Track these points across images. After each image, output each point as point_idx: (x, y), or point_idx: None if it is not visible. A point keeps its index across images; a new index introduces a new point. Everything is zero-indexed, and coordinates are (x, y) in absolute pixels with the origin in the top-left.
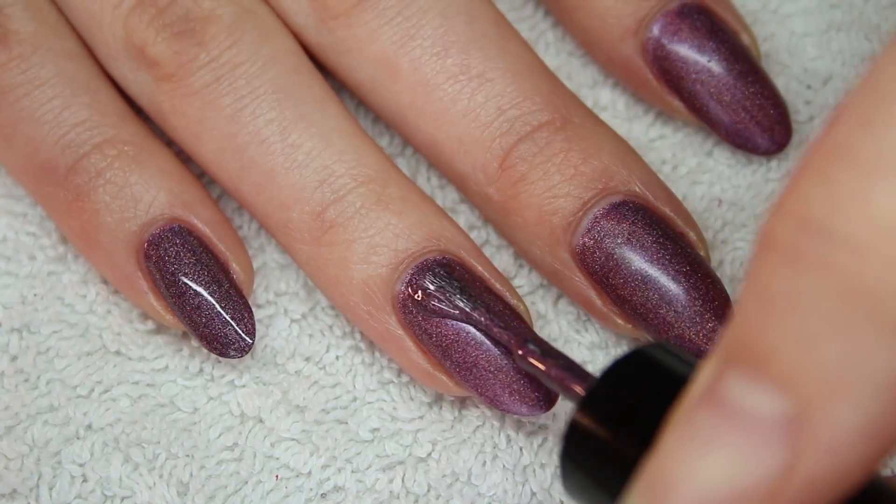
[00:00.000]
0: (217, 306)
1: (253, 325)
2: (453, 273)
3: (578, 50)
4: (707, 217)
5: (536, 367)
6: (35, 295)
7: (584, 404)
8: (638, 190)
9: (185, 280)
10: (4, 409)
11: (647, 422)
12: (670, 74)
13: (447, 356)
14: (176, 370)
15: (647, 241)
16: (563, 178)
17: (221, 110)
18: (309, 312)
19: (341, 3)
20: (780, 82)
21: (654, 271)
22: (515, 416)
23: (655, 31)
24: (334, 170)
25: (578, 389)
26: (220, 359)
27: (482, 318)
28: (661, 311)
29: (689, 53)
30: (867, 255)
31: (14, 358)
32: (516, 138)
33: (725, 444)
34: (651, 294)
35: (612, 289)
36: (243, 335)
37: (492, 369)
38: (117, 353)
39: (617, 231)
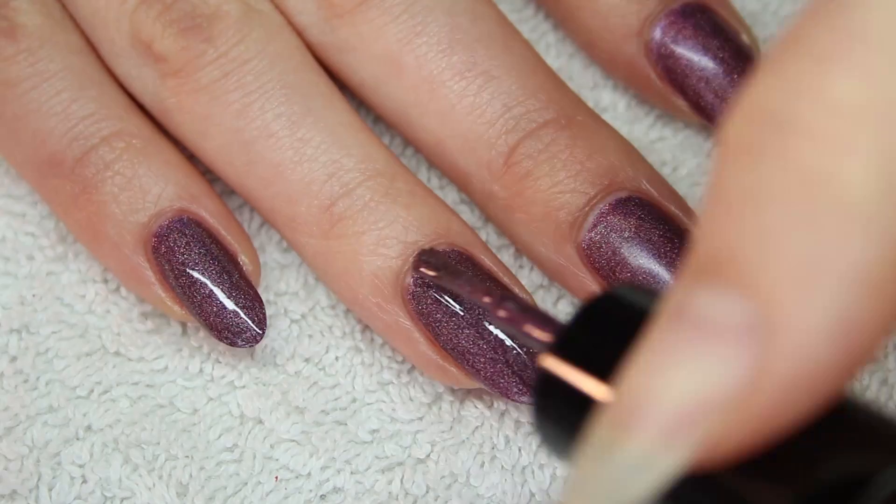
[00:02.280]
0: (228, 296)
1: (264, 314)
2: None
3: (580, 52)
4: None
5: (511, 324)
6: (34, 295)
7: (551, 348)
8: (644, 187)
9: (195, 271)
10: (4, 409)
11: (617, 358)
12: (674, 74)
13: (456, 346)
14: (175, 371)
15: (654, 236)
16: (568, 175)
17: (229, 105)
18: (309, 313)
19: (347, 1)
20: None
21: (660, 266)
22: (516, 414)
23: (659, 30)
24: (343, 164)
25: (548, 337)
26: (219, 358)
27: (465, 289)
28: None
29: (693, 53)
30: (826, 141)
31: (13, 359)
32: (521, 135)
33: (690, 357)
34: (659, 288)
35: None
36: (253, 325)
37: (500, 360)
38: (116, 353)
39: (623, 226)
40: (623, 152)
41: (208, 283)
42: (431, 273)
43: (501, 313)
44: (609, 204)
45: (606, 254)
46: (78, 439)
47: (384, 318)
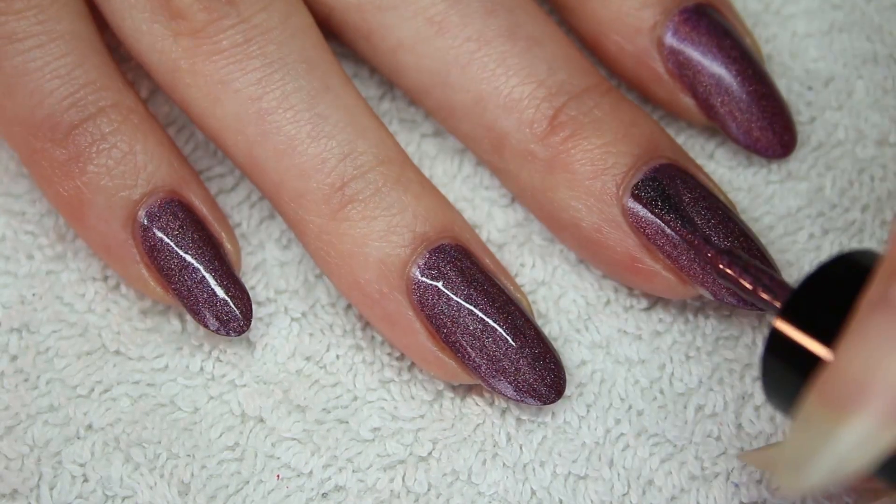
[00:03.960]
0: (218, 284)
1: (250, 305)
2: (660, 189)
3: (586, 50)
4: None
5: (737, 281)
6: (34, 294)
7: (783, 312)
8: (683, 155)
9: (188, 256)
10: (4, 409)
11: (836, 327)
12: (685, 71)
13: (457, 340)
14: (176, 369)
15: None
16: (616, 136)
17: (249, 72)
18: (309, 311)
19: None
20: (782, 83)
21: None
22: (517, 411)
23: (673, 27)
24: (358, 145)
25: (776, 299)
26: (220, 357)
27: (686, 231)
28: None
29: (706, 52)
30: None
31: (14, 358)
32: (566, 98)
33: None
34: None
35: (664, 244)
36: (241, 315)
37: (501, 356)
38: (117, 352)
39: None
40: (658, 126)
41: (200, 268)
42: (656, 209)
43: (727, 270)
44: (653, 167)
45: (654, 214)
46: (79, 438)
47: (385, 307)
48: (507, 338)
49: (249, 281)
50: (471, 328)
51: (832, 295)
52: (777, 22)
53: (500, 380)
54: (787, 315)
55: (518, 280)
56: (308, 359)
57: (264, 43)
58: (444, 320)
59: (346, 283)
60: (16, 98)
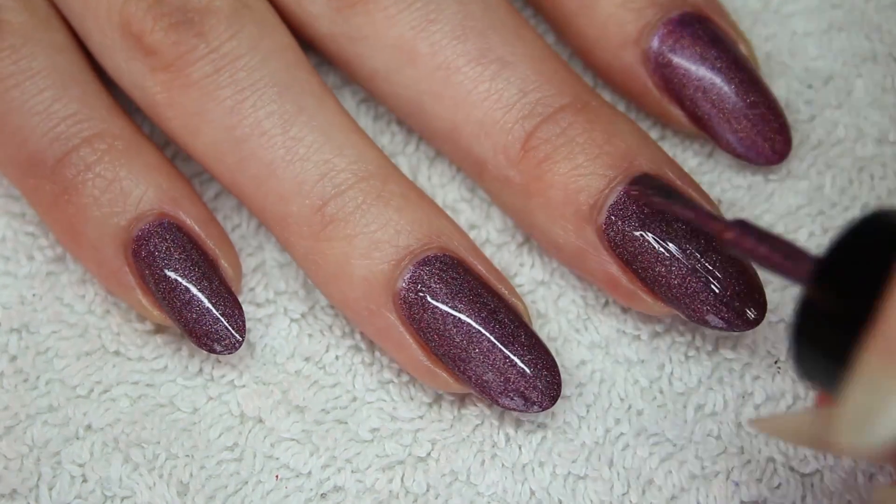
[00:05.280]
0: (207, 302)
1: (243, 321)
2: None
3: (580, 59)
4: None
5: (755, 251)
6: (34, 295)
7: (813, 281)
8: (662, 170)
9: (175, 276)
10: (4, 409)
11: (875, 291)
12: (671, 83)
13: (447, 352)
14: (175, 370)
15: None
16: (587, 158)
17: (221, 102)
18: (308, 312)
19: None
20: (782, 82)
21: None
22: (515, 413)
23: (657, 39)
24: (335, 164)
25: (801, 269)
26: (219, 358)
27: (690, 212)
28: (691, 288)
29: (691, 63)
30: None
31: (13, 358)
32: (538, 120)
33: None
34: (680, 270)
35: (640, 265)
36: (233, 331)
37: (489, 364)
38: (116, 353)
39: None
40: (639, 136)
41: (188, 288)
42: (655, 199)
43: (740, 241)
44: (628, 186)
45: (629, 235)
46: (78, 438)
47: (375, 323)
48: (497, 347)
49: (249, 282)
50: (458, 340)
51: (868, 253)
52: (776, 20)
53: (490, 390)
54: (822, 278)
55: (517, 280)
56: (307, 359)
57: (234, 71)
58: (433, 334)
59: (337, 301)
60: (2, 139)
